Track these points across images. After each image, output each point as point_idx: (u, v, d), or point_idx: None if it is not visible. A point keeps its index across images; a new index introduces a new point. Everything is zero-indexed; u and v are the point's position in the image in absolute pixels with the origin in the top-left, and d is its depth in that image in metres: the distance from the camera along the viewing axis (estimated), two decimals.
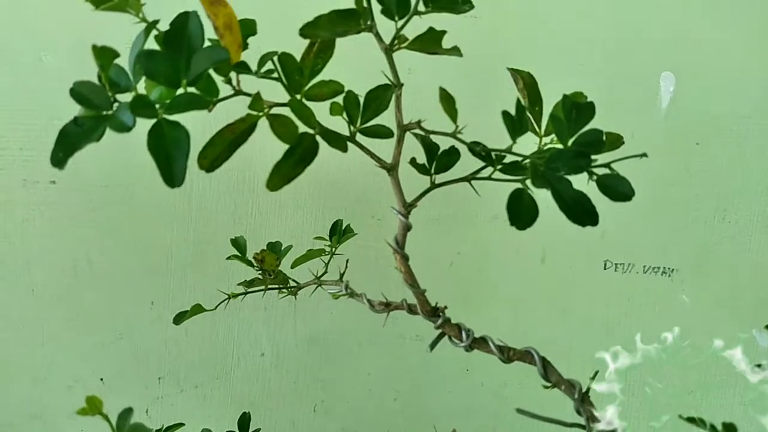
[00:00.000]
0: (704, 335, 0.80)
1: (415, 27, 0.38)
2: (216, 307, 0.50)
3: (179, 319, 0.48)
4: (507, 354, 0.39)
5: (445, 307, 0.41)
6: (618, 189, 0.35)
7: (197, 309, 0.48)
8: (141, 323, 0.78)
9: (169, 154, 0.30)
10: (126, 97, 0.31)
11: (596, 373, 0.40)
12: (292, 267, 0.55)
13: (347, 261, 0.50)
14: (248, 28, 0.35)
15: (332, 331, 0.80)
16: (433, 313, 0.40)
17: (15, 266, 0.76)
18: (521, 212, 0.35)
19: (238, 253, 0.51)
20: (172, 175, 0.31)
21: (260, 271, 0.49)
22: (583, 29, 0.74)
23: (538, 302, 0.80)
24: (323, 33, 0.32)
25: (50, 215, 0.75)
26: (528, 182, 0.36)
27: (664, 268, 0.80)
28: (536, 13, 0.73)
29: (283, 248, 0.51)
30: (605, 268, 0.80)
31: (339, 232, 0.52)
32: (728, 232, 0.79)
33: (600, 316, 0.81)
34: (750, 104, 0.76)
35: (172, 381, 0.81)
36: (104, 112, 0.31)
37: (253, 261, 0.49)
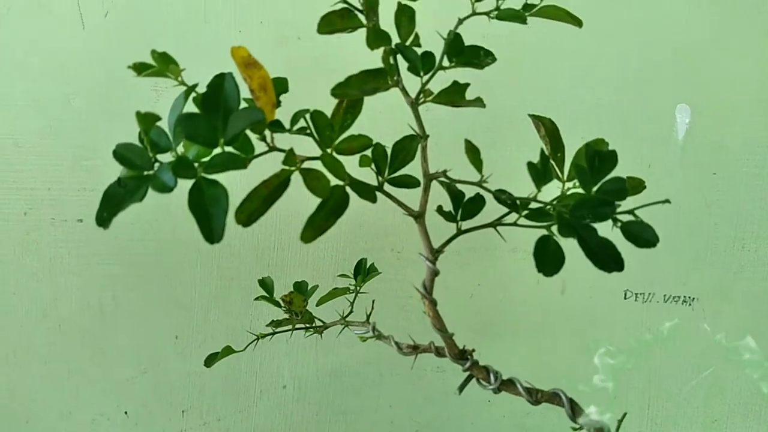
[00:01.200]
0: (726, 365, 0.80)
1: (441, 79, 0.39)
2: (245, 348, 0.51)
3: (210, 361, 0.49)
4: (535, 396, 0.40)
5: (473, 350, 0.42)
6: (642, 236, 0.36)
7: (227, 351, 0.49)
8: (165, 357, 0.80)
9: (208, 211, 0.32)
10: (166, 157, 0.33)
11: (624, 414, 0.40)
12: (317, 305, 0.55)
13: (373, 302, 0.51)
14: (280, 86, 0.36)
15: (354, 363, 0.80)
16: (461, 356, 0.41)
17: (42, 302, 0.78)
18: (548, 259, 0.36)
19: (265, 294, 0.52)
20: (212, 232, 0.32)
21: (287, 312, 0.50)
22: (599, 64, 0.75)
23: (558, 333, 0.80)
24: (353, 92, 0.34)
25: (77, 253, 0.77)
26: (553, 228, 0.37)
27: (684, 297, 0.80)
28: (553, 49, 0.75)
29: (309, 288, 0.52)
30: (625, 298, 0.80)
31: (363, 271, 0.53)
32: (748, 261, 0.79)
33: (621, 346, 0.81)
34: (766, 133, 0.77)
35: (195, 414, 0.81)
36: (146, 173, 0.32)
37: (280, 302, 0.50)
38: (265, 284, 0.52)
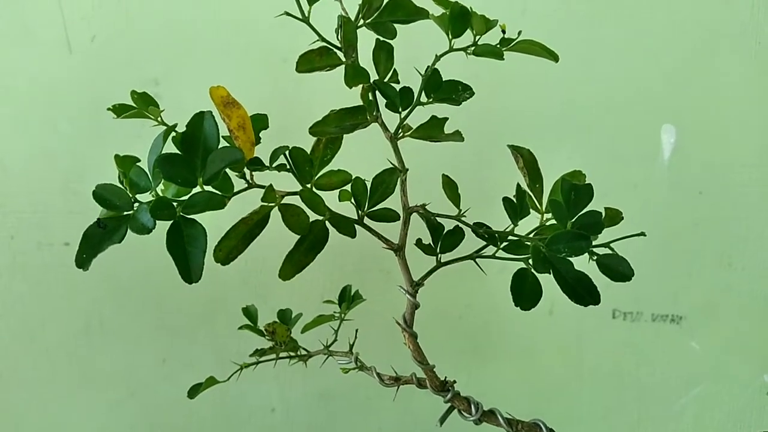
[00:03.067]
0: (715, 382, 0.80)
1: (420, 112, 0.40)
2: (229, 378, 0.51)
3: (194, 392, 0.48)
4: (515, 427, 0.40)
5: (454, 382, 0.42)
6: (618, 269, 0.36)
7: (211, 381, 0.49)
8: (153, 380, 0.79)
9: (186, 251, 0.32)
10: (146, 197, 0.33)
11: None
12: (302, 332, 0.55)
13: (356, 331, 0.51)
14: (260, 123, 0.37)
15: (342, 386, 0.80)
16: (442, 387, 0.41)
17: (29, 326, 0.77)
18: (525, 293, 0.36)
19: (249, 322, 0.52)
20: (190, 271, 0.32)
21: (271, 340, 0.50)
22: (584, 84, 0.76)
23: (547, 354, 0.80)
24: (332, 129, 0.34)
25: (64, 276, 0.77)
26: (531, 261, 0.37)
27: (672, 315, 0.80)
28: (537, 71, 0.75)
29: (293, 316, 0.52)
30: (614, 317, 0.80)
31: (348, 299, 0.53)
32: (735, 279, 0.80)
33: (610, 366, 0.81)
34: (751, 153, 0.77)
35: None
36: (125, 213, 0.32)
37: (264, 331, 0.50)
38: (249, 313, 0.52)
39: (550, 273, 0.35)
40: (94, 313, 0.77)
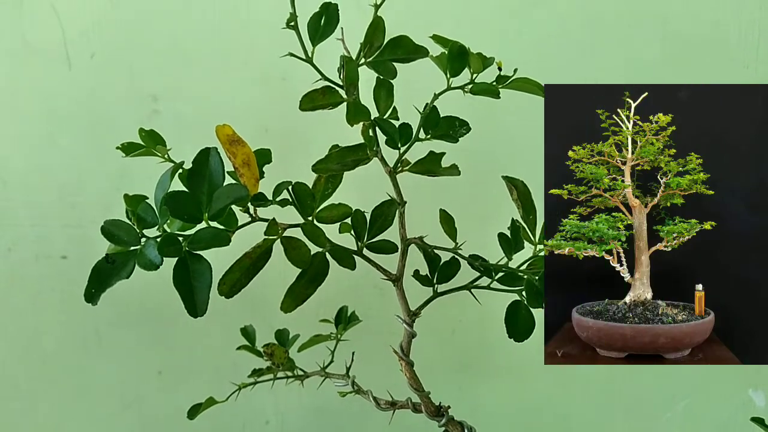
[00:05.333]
0: (702, 396, 0.82)
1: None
2: (227, 398, 0.52)
3: (193, 412, 0.49)
4: None
5: (449, 407, 0.43)
6: None
7: (210, 402, 0.50)
8: (148, 393, 0.80)
9: (192, 286, 0.33)
10: (152, 232, 0.34)
11: None
12: (298, 351, 0.56)
13: (353, 354, 0.52)
14: (263, 157, 0.38)
15: (337, 399, 0.81)
16: (437, 412, 0.42)
17: (27, 338, 0.78)
18: (519, 325, 0.38)
19: (247, 342, 0.53)
20: (195, 306, 0.33)
21: (269, 362, 0.51)
22: None
23: (539, 369, 0.81)
24: (335, 167, 0.35)
25: (61, 288, 0.77)
26: (524, 294, 0.38)
27: None
28: (531, 96, 0.77)
29: (290, 337, 0.54)
30: None
31: (344, 320, 0.54)
32: None
33: (599, 381, 0.83)
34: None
35: None
36: (133, 248, 0.33)
37: (262, 353, 0.51)
38: (247, 333, 0.53)
39: (542, 307, 0.36)
40: (91, 325, 0.78)
